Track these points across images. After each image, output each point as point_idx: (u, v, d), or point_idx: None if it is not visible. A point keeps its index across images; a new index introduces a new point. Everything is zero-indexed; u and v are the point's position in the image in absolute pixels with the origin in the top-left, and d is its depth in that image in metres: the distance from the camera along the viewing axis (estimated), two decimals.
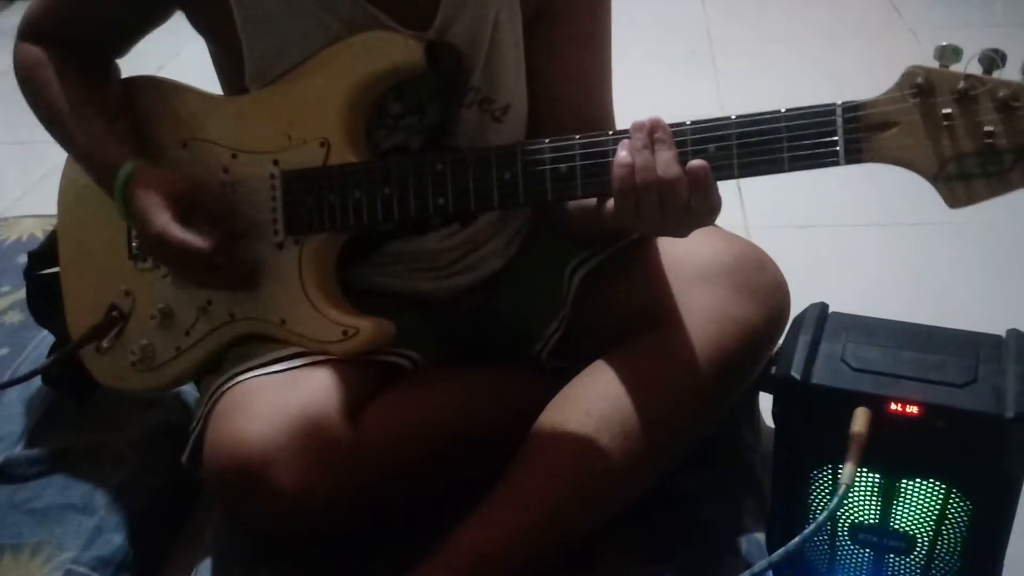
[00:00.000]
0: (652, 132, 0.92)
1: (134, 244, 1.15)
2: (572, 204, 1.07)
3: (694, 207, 0.92)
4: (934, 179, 0.87)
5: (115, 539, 1.14)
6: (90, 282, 1.18)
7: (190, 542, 1.19)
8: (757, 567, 0.93)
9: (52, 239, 1.24)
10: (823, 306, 1.07)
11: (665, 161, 0.91)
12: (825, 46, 2.68)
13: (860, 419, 0.93)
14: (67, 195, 1.22)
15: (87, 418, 1.30)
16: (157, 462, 1.24)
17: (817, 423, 0.97)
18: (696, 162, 0.91)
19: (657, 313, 1.07)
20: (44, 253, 1.26)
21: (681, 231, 0.96)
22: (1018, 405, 0.91)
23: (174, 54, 1.84)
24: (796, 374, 0.97)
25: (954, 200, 0.87)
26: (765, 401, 1.15)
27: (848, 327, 1.03)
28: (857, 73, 2.49)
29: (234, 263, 1.06)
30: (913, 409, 0.93)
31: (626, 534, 1.08)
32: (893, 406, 0.93)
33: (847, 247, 1.75)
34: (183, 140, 1.12)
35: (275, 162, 1.06)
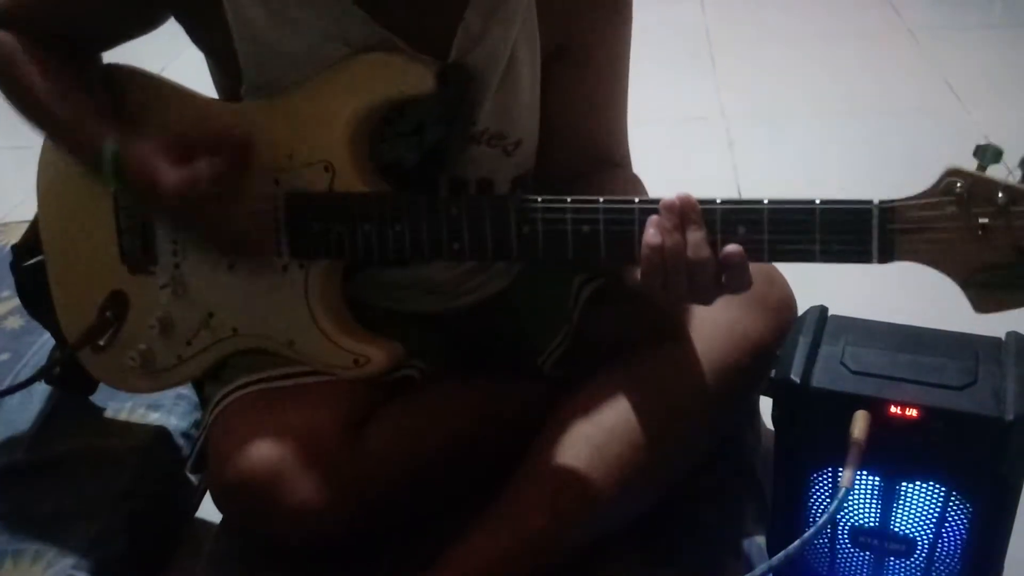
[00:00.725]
0: (683, 212, 0.89)
1: (125, 243, 1.11)
2: None
3: (726, 284, 0.90)
4: (964, 284, 0.87)
5: (116, 544, 1.14)
6: (79, 279, 1.15)
7: (191, 547, 1.19)
8: (758, 570, 0.93)
9: (34, 228, 1.20)
10: (822, 309, 1.07)
11: (695, 243, 0.88)
12: (824, 47, 2.69)
13: (860, 422, 0.93)
14: (45, 185, 1.16)
15: (87, 423, 1.30)
16: (158, 467, 1.24)
17: (817, 426, 0.97)
18: (731, 247, 0.88)
19: (666, 326, 1.07)
20: (28, 244, 1.23)
21: (708, 302, 0.93)
22: (1018, 407, 0.91)
23: (175, 55, 1.83)
24: (796, 377, 0.97)
25: (981, 306, 0.87)
26: (765, 404, 1.15)
27: (847, 330, 1.03)
28: (857, 73, 2.49)
29: (246, 197, 1.00)
30: (913, 412, 0.93)
31: (627, 537, 1.08)
32: (893, 409, 0.93)
33: None
34: None
35: (276, 181, 1.02)
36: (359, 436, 1.03)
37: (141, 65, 1.14)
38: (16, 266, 1.26)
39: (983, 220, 0.84)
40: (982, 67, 2.46)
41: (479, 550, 0.99)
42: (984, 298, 0.87)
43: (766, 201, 0.90)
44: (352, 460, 1.01)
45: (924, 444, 0.94)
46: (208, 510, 1.22)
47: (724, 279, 0.90)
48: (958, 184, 0.85)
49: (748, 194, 1.85)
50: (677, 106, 2.33)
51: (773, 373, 1.00)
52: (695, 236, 0.89)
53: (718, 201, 0.90)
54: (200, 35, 1.05)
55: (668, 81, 2.46)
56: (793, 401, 0.98)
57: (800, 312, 1.08)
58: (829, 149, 2.11)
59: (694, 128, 2.24)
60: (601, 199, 0.94)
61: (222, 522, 1.15)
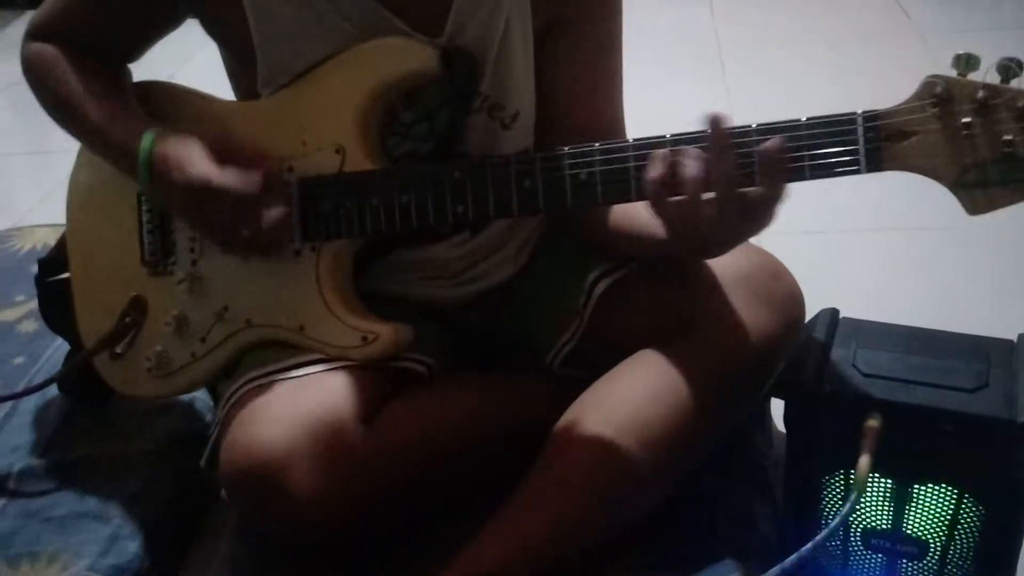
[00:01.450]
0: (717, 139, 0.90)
1: (147, 242, 1.14)
2: (621, 225, 1.07)
3: (760, 193, 0.89)
4: (953, 186, 0.88)
5: (131, 547, 1.14)
6: (101, 288, 1.17)
7: (205, 550, 1.20)
8: (770, 573, 0.93)
9: (61, 244, 1.23)
10: (833, 311, 1.07)
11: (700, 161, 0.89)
12: (834, 49, 2.68)
13: (871, 425, 0.93)
14: (75, 199, 1.20)
15: (102, 427, 1.31)
16: (171, 470, 1.25)
17: (829, 429, 0.97)
18: (770, 143, 0.88)
19: (675, 322, 1.08)
20: (54, 259, 1.25)
21: (733, 235, 0.93)
22: None
23: (185, 60, 1.85)
24: (807, 380, 0.97)
25: (973, 207, 0.88)
26: (777, 406, 1.15)
27: (858, 332, 1.03)
28: (866, 76, 2.49)
29: (266, 217, 1.03)
30: (924, 414, 0.93)
31: (637, 539, 1.08)
32: (904, 411, 0.93)
33: (857, 252, 1.75)
34: None
35: (290, 168, 1.06)
36: (369, 427, 1.04)
37: (151, 72, 1.17)
38: (40, 280, 1.28)
39: (966, 119, 0.86)
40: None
41: (487, 552, 0.99)
42: (975, 198, 0.87)
43: (754, 125, 0.92)
44: (362, 450, 1.01)
45: (936, 447, 0.94)
46: (223, 512, 1.23)
47: (758, 181, 0.89)
48: (938, 87, 0.87)
49: None
50: (687, 109, 2.32)
51: (785, 376, 1.00)
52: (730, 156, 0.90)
53: (709, 131, 0.92)
54: (220, 30, 1.08)
55: (678, 84, 2.46)
56: (805, 404, 0.98)
57: (810, 313, 1.09)
58: None
59: None
60: (597, 144, 0.96)
61: (237, 523, 1.16)
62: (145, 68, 1.18)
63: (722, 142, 0.90)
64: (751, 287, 1.07)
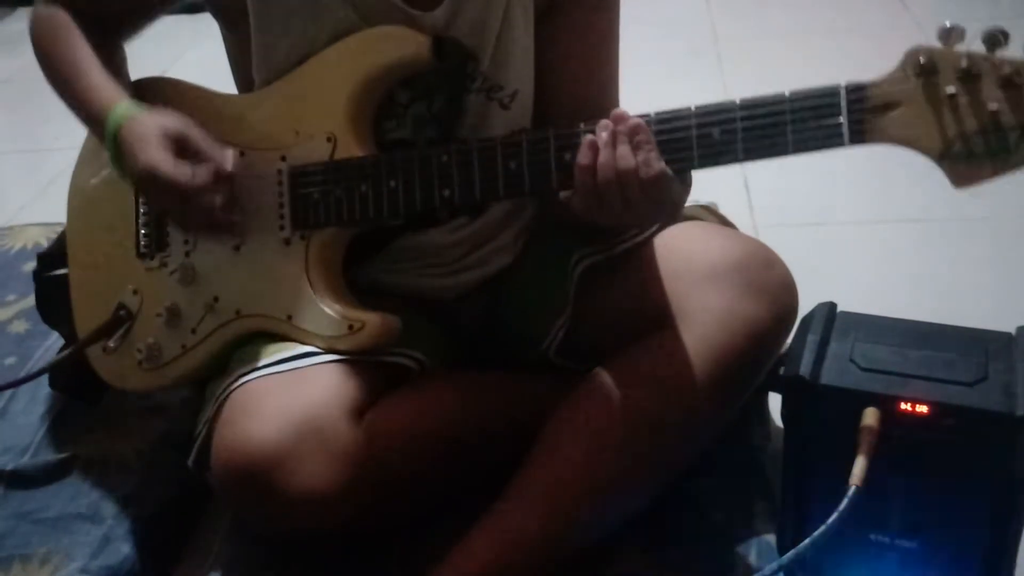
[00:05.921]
0: (614, 128, 0.93)
1: (142, 235, 1.15)
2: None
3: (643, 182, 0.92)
4: (939, 158, 0.87)
5: (123, 548, 1.14)
6: (98, 283, 1.19)
7: (198, 551, 1.19)
8: (767, 569, 0.93)
9: (61, 241, 1.25)
10: (831, 305, 1.06)
11: (622, 155, 0.92)
12: (832, 42, 2.67)
13: (869, 419, 0.92)
14: (76, 197, 1.23)
15: (94, 428, 1.30)
16: (164, 471, 1.24)
17: (827, 423, 0.97)
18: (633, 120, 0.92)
19: (665, 312, 1.07)
20: (53, 254, 1.27)
21: (641, 220, 1.02)
22: None
23: (174, 59, 1.84)
24: (805, 374, 0.96)
25: (959, 180, 0.87)
26: (774, 401, 1.15)
27: (857, 326, 1.02)
28: (864, 69, 2.47)
29: (223, 206, 1.05)
30: (923, 408, 0.93)
31: (634, 536, 1.08)
32: (903, 405, 0.93)
33: (855, 245, 1.74)
34: None
35: (283, 158, 1.07)
36: (360, 423, 1.03)
37: (143, 69, 1.19)
38: (38, 275, 1.29)
39: (950, 90, 0.86)
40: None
41: (480, 548, 0.99)
42: (961, 170, 0.87)
43: (738, 101, 0.92)
44: (352, 446, 1.01)
45: (935, 441, 0.93)
46: (216, 513, 1.22)
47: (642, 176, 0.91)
48: (921, 59, 0.86)
49: (756, 191, 1.84)
50: (683, 103, 2.32)
51: (782, 370, 1.00)
52: (623, 149, 0.92)
53: (693, 108, 0.93)
54: (221, 7, 1.10)
55: (674, 78, 2.45)
56: (802, 398, 0.97)
57: (808, 307, 1.08)
58: None
59: None
60: (582, 125, 0.96)
61: (230, 524, 1.15)
62: (136, 66, 1.19)
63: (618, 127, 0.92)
64: (743, 276, 1.06)
